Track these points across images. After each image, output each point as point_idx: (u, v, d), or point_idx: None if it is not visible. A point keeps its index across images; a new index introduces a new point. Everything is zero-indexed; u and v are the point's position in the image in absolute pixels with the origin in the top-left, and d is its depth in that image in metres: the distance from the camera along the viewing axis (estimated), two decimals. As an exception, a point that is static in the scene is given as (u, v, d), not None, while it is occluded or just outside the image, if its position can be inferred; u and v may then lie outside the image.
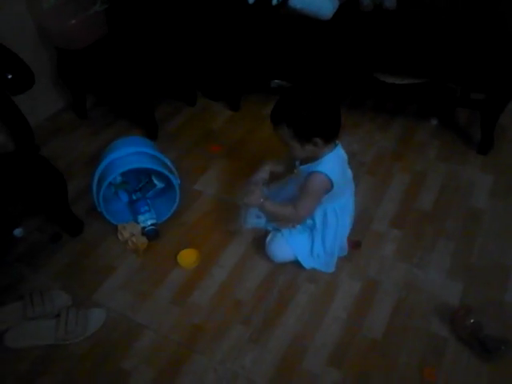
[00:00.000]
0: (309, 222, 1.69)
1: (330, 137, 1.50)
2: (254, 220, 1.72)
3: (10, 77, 1.31)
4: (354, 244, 1.83)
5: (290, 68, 2.43)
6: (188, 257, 1.81)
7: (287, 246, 1.71)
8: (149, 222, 1.88)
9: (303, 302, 1.66)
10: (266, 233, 1.79)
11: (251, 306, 1.65)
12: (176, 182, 1.87)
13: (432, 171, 2.16)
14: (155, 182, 1.95)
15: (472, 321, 1.49)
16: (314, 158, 1.54)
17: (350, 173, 1.69)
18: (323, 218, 1.66)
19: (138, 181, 2.02)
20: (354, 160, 2.22)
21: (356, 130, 2.40)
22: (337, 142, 1.56)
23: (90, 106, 2.59)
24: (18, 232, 1.90)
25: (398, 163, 2.21)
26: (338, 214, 1.66)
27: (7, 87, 1.35)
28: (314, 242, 1.70)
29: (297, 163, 1.64)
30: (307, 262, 1.72)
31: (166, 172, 1.83)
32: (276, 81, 2.70)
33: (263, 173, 1.70)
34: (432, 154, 2.25)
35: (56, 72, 2.41)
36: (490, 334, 1.47)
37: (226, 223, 1.92)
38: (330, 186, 1.53)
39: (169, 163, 1.89)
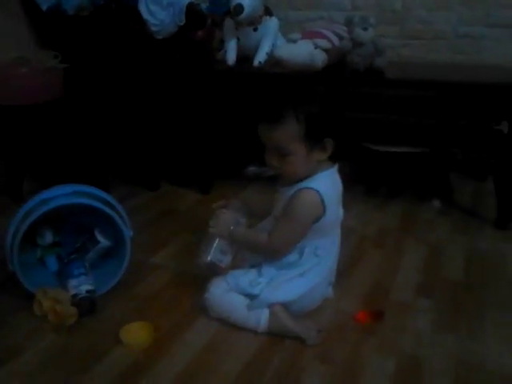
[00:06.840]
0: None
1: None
2: (217, 255, 1.26)
3: None
4: (375, 315, 1.32)
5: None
6: (136, 332, 1.22)
7: (231, 295, 1.24)
8: (83, 289, 1.32)
9: (313, 389, 1.07)
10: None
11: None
12: (128, 233, 1.38)
13: (450, 242, 1.75)
14: (98, 237, 1.44)
15: None
16: (305, 177, 1.20)
17: (341, 212, 1.33)
18: (298, 255, 1.25)
19: (77, 241, 1.50)
20: (354, 235, 1.81)
21: (349, 208, 2.03)
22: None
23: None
24: None
25: (408, 236, 1.80)
26: (319, 256, 1.24)
27: None
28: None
29: (278, 187, 1.29)
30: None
31: (115, 215, 1.35)
32: (251, 168, 2.40)
33: (236, 203, 1.35)
34: (445, 229, 1.86)
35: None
36: None
37: (193, 297, 1.38)
38: (320, 211, 1.18)
39: (120, 208, 1.42)
